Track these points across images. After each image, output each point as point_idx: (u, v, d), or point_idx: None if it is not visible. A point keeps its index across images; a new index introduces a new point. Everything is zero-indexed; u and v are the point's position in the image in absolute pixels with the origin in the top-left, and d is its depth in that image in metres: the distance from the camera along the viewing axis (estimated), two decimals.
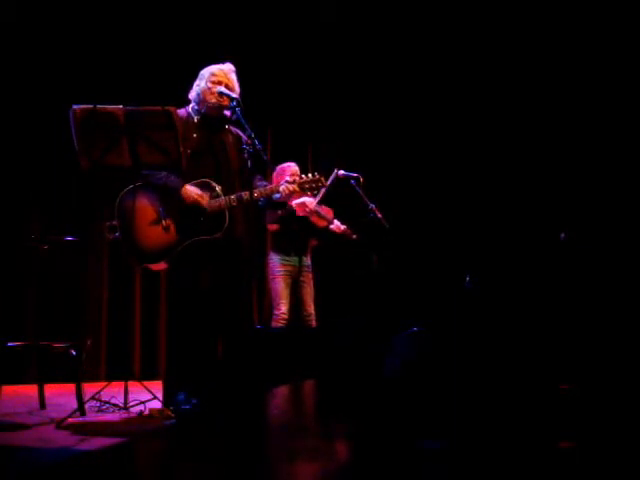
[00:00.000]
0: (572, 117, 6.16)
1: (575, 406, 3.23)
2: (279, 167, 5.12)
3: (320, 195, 5.09)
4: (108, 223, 3.90)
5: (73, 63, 5.77)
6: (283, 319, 5.05)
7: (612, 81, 5.99)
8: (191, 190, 3.80)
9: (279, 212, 5.00)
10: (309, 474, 2.56)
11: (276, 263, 5.13)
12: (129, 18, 5.92)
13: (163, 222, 3.79)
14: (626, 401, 3.18)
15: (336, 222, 5.29)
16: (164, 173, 3.78)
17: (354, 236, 5.32)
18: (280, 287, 5.09)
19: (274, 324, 5.08)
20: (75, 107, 3.40)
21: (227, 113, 3.94)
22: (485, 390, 3.16)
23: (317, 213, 5.13)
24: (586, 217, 5.78)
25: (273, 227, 5.19)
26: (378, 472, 2.54)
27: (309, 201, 5.03)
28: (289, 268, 5.12)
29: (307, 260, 5.19)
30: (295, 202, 5.00)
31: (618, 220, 5.61)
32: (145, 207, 3.80)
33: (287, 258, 5.13)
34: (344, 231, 5.29)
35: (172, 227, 3.80)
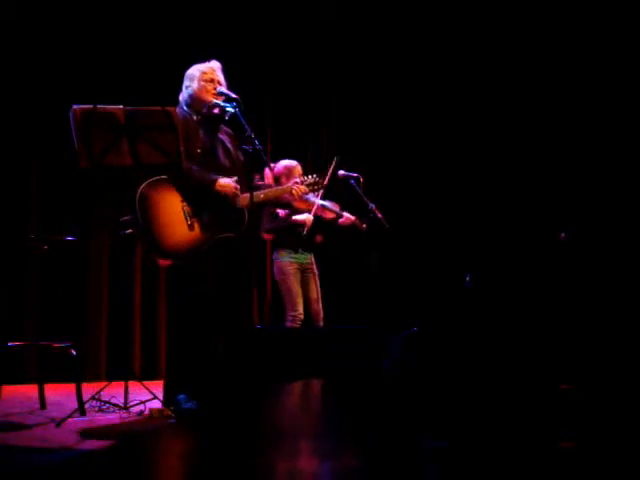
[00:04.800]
0: (572, 117, 6.16)
1: (575, 406, 3.23)
2: (283, 166, 5.02)
3: (321, 193, 5.06)
4: (122, 219, 3.84)
5: (73, 63, 5.76)
6: (300, 319, 4.92)
7: (611, 81, 5.99)
8: (228, 182, 3.77)
9: (275, 224, 5.01)
10: (308, 473, 2.56)
11: (285, 261, 5.02)
12: (129, 18, 5.92)
13: (188, 220, 3.72)
14: (626, 401, 3.18)
15: (345, 214, 5.17)
16: (196, 167, 3.73)
17: (364, 225, 5.18)
18: (294, 286, 4.97)
19: (290, 325, 4.93)
20: (75, 107, 3.39)
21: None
22: (485, 390, 3.16)
23: (324, 206, 5.06)
24: (586, 216, 5.78)
25: (268, 237, 5.17)
26: (378, 471, 2.54)
27: (310, 218, 5.00)
28: (297, 265, 5.03)
29: (311, 257, 5.13)
30: (296, 218, 5.02)
31: (618, 220, 5.61)
32: (168, 202, 3.72)
33: (294, 255, 5.02)
34: (354, 221, 5.16)
35: (196, 225, 3.73)
